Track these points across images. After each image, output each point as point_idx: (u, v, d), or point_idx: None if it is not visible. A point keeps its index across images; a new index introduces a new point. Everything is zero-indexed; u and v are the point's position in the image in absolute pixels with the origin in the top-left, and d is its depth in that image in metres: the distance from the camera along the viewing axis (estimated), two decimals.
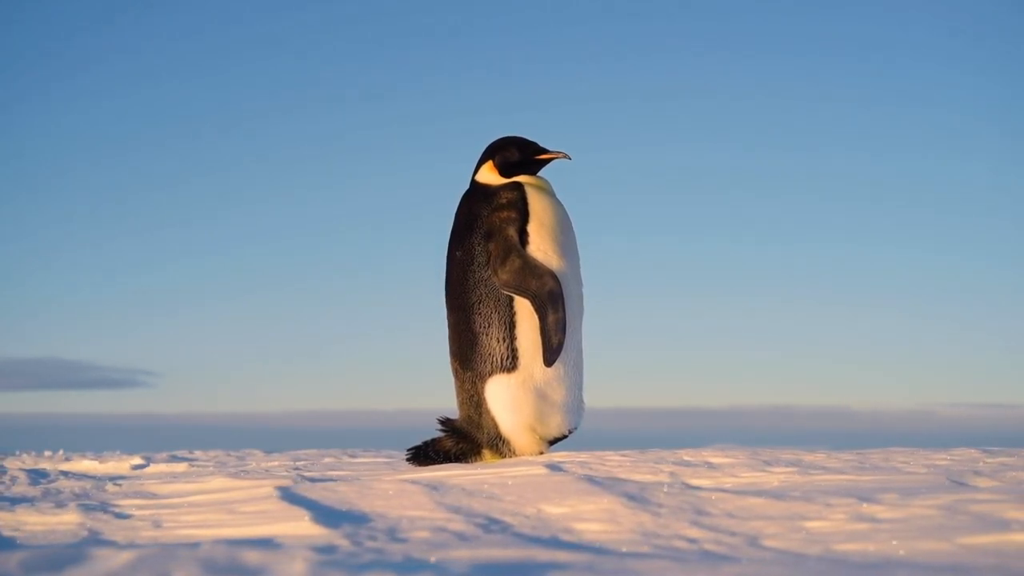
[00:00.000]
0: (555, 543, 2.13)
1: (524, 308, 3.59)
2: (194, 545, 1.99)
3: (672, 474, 2.98)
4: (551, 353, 3.54)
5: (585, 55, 9.95)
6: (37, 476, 3.98)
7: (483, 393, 3.63)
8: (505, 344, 3.58)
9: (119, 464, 4.54)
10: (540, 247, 3.63)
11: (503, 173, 3.78)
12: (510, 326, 3.59)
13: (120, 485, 3.59)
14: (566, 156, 3.82)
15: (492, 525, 2.34)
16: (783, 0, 10.02)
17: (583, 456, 3.47)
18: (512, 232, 3.62)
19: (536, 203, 3.69)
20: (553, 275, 3.56)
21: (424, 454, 3.75)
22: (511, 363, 3.58)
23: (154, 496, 3.23)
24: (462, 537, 2.20)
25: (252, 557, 1.81)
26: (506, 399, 3.59)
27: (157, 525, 2.60)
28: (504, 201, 3.69)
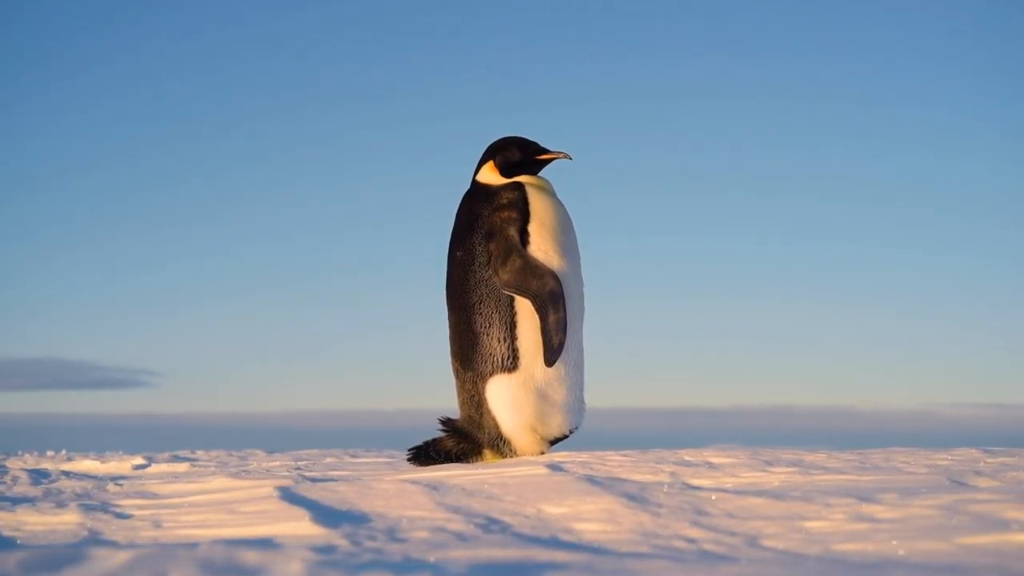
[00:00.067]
0: (554, 543, 2.13)
1: (525, 308, 3.58)
2: (193, 545, 1.99)
3: (673, 474, 2.97)
4: (552, 353, 3.54)
5: (585, 55, 9.96)
6: (38, 476, 3.98)
7: (484, 393, 3.63)
8: (506, 344, 3.58)
9: (121, 464, 4.54)
10: (541, 247, 3.63)
11: (504, 173, 3.78)
12: (511, 326, 3.59)
13: (121, 485, 3.60)
14: (567, 156, 3.82)
15: (492, 525, 2.34)
16: (783, 0, 10.02)
17: (584, 456, 3.47)
18: (513, 232, 3.62)
19: (537, 203, 3.69)
20: (554, 275, 3.56)
21: (425, 454, 3.75)
22: (512, 363, 3.58)
23: (155, 496, 3.23)
24: (461, 537, 2.20)
25: (250, 557, 1.81)
26: (507, 399, 3.59)
27: (157, 525, 2.60)
28: (505, 201, 3.69)
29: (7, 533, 2.55)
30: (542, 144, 3.82)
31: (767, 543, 2.07)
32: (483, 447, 3.68)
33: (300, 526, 2.39)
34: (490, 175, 3.79)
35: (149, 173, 10.39)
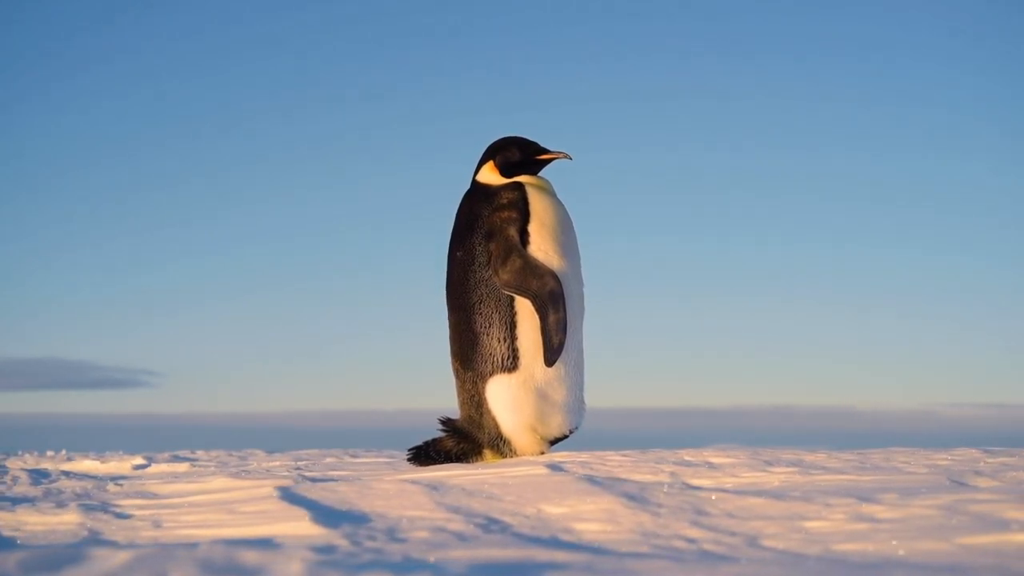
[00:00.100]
0: (554, 543, 2.13)
1: (525, 308, 3.58)
2: (192, 545, 1.99)
3: (673, 474, 2.97)
4: (552, 353, 3.54)
5: (585, 55, 9.96)
6: (39, 476, 3.98)
7: (484, 393, 3.63)
8: (506, 344, 3.58)
9: (121, 464, 4.54)
10: (541, 247, 3.63)
11: (504, 173, 3.78)
12: (511, 326, 3.59)
13: (121, 485, 3.60)
14: (567, 156, 3.82)
15: (491, 525, 2.34)
16: (783, 0, 10.02)
17: (584, 456, 3.47)
18: (513, 232, 3.62)
19: (537, 203, 3.69)
20: (554, 275, 3.56)
21: (425, 454, 3.75)
22: (512, 363, 3.58)
23: (155, 496, 3.23)
24: (461, 537, 2.20)
25: (250, 557, 1.81)
26: (507, 399, 3.59)
27: (157, 525, 2.60)
28: (505, 201, 3.69)
29: (7, 533, 2.55)
30: (542, 144, 3.82)
31: (767, 543, 2.07)
32: (483, 447, 3.68)
33: (300, 526, 2.39)
34: (490, 175, 3.79)
35: (149, 173, 10.39)
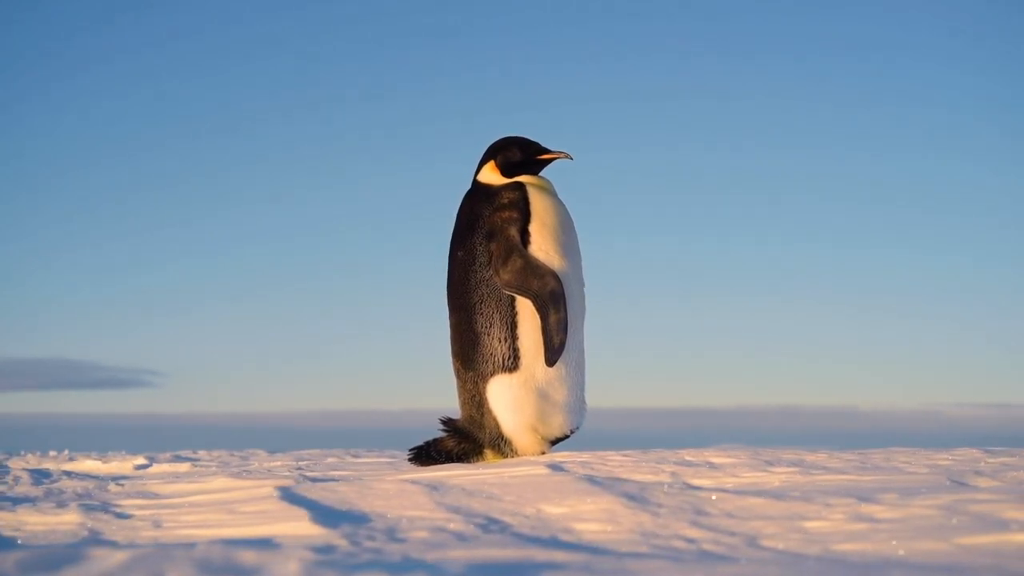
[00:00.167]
0: (554, 543, 2.13)
1: (526, 308, 3.58)
2: (191, 545, 1.99)
3: (673, 474, 2.97)
4: (553, 353, 3.54)
5: (585, 55, 9.96)
6: (40, 476, 3.99)
7: (485, 393, 3.63)
8: (507, 344, 3.58)
9: (122, 464, 4.55)
10: (542, 247, 3.63)
11: (505, 173, 3.78)
12: (512, 326, 3.59)
13: (122, 485, 3.60)
14: (568, 156, 3.81)
15: (491, 525, 2.34)
16: (783, 0, 10.01)
17: (585, 456, 3.47)
18: (514, 232, 3.62)
19: (538, 203, 3.69)
20: (555, 275, 3.56)
21: (426, 454, 3.75)
22: (513, 363, 3.58)
23: (156, 496, 3.24)
24: (460, 537, 2.20)
25: (248, 557, 1.81)
26: (508, 399, 3.59)
27: (157, 525, 2.60)
28: (506, 201, 3.69)
29: (8, 533, 2.55)
30: (543, 144, 3.82)
31: (767, 543, 2.07)
32: (484, 447, 3.68)
33: (299, 526, 2.39)
34: (491, 175, 3.79)
35: (149, 173, 10.41)
